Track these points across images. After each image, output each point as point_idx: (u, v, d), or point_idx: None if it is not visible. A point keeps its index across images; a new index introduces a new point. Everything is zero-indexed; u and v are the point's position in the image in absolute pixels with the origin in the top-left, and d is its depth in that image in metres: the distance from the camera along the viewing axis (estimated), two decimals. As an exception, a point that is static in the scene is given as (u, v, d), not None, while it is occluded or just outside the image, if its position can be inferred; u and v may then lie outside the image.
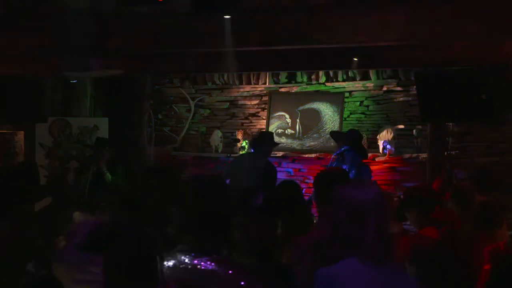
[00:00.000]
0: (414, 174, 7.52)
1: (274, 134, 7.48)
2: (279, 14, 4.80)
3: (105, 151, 6.54)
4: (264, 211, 3.29)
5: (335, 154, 6.14)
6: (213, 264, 2.12)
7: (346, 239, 2.25)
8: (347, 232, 2.24)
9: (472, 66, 5.72)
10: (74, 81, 7.64)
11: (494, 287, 2.76)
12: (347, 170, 5.98)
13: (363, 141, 6.94)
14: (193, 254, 2.15)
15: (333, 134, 6.65)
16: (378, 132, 7.66)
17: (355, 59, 5.97)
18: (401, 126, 7.64)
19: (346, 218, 2.26)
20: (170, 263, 2.14)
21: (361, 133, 6.56)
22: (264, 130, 7.71)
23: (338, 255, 2.25)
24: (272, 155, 8.00)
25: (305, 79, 8.14)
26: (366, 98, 7.92)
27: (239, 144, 7.97)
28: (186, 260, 2.13)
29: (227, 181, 6.29)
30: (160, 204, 3.61)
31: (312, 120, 7.99)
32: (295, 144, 8.04)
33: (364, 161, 6.28)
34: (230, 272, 2.12)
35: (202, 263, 2.12)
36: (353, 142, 6.14)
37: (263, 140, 6.45)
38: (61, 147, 7.83)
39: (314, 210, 4.25)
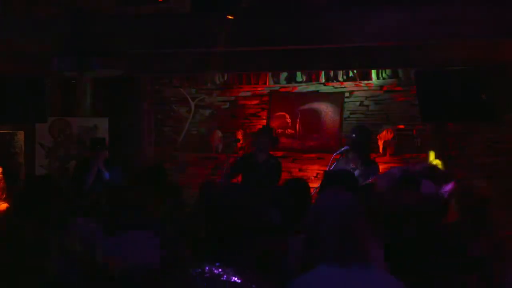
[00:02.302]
0: (414, 174, 7.52)
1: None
2: (279, 14, 4.80)
3: (102, 151, 6.57)
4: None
5: (335, 154, 6.15)
6: (236, 276, 2.11)
7: (314, 243, 2.30)
8: (314, 236, 2.30)
9: (472, 66, 5.71)
10: (73, 82, 7.64)
11: None
12: (353, 167, 6.02)
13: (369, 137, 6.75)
14: (217, 264, 2.14)
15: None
16: (378, 132, 7.66)
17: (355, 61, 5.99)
18: (401, 126, 7.64)
19: (312, 222, 2.32)
20: (195, 271, 2.14)
21: (365, 129, 6.48)
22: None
23: (310, 259, 2.30)
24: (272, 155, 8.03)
25: (305, 79, 8.14)
26: (366, 98, 7.91)
27: (239, 144, 7.97)
28: (211, 270, 2.13)
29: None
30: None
31: (312, 120, 7.98)
32: (295, 144, 8.04)
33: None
34: (253, 286, 2.12)
35: (225, 274, 2.11)
36: (353, 141, 6.15)
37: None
38: (61, 147, 7.83)
39: None
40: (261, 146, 6.65)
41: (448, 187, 4.83)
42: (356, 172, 5.86)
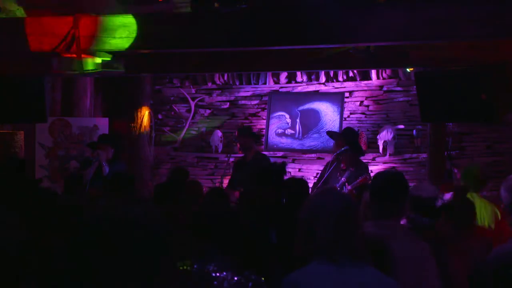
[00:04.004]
0: (414, 174, 7.54)
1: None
2: (279, 14, 4.80)
3: (104, 146, 6.60)
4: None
5: (335, 154, 6.16)
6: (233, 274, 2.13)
7: (307, 238, 2.30)
8: (307, 231, 2.30)
9: (472, 66, 5.71)
10: (74, 81, 7.64)
11: None
12: (344, 168, 6.07)
13: (359, 139, 7.04)
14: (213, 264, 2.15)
15: (330, 133, 6.71)
16: (378, 132, 7.67)
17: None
18: (401, 126, 7.65)
19: (304, 219, 2.32)
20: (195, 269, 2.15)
21: (353, 130, 6.66)
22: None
23: (299, 256, 2.30)
24: (272, 155, 8.04)
25: (305, 79, 8.14)
26: (366, 98, 7.92)
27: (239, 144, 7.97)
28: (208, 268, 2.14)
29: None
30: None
31: (312, 120, 7.99)
32: (295, 144, 8.04)
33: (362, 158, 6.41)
34: (249, 284, 2.13)
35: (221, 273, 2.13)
36: (351, 141, 6.20)
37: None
38: (61, 147, 7.83)
39: None
40: (243, 146, 6.80)
41: (448, 195, 4.82)
42: (347, 173, 6.00)
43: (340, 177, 6.13)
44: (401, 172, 3.35)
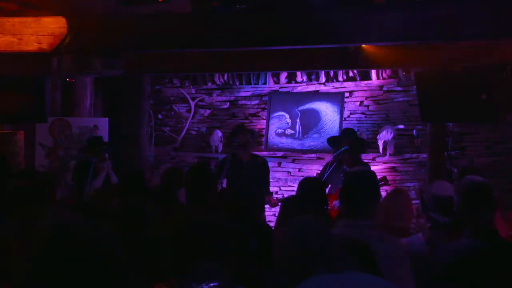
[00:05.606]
0: (414, 174, 7.54)
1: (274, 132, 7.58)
2: (279, 14, 4.80)
3: (102, 152, 6.36)
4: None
5: (334, 154, 6.16)
6: None
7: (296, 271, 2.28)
8: (298, 260, 2.28)
9: (472, 66, 5.72)
10: (73, 81, 7.64)
11: None
12: (345, 168, 6.06)
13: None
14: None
15: (330, 141, 6.70)
16: (378, 132, 7.67)
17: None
18: (401, 126, 7.65)
19: (291, 253, 2.28)
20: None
21: (353, 131, 6.76)
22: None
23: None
24: (272, 155, 8.04)
25: (305, 79, 8.14)
26: (366, 98, 7.92)
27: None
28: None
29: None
30: None
31: (312, 120, 7.98)
32: (295, 144, 8.04)
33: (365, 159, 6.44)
34: None
35: None
36: (351, 141, 6.21)
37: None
38: (61, 147, 7.83)
39: None
40: (244, 144, 6.46)
41: None
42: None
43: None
44: (372, 171, 3.30)
